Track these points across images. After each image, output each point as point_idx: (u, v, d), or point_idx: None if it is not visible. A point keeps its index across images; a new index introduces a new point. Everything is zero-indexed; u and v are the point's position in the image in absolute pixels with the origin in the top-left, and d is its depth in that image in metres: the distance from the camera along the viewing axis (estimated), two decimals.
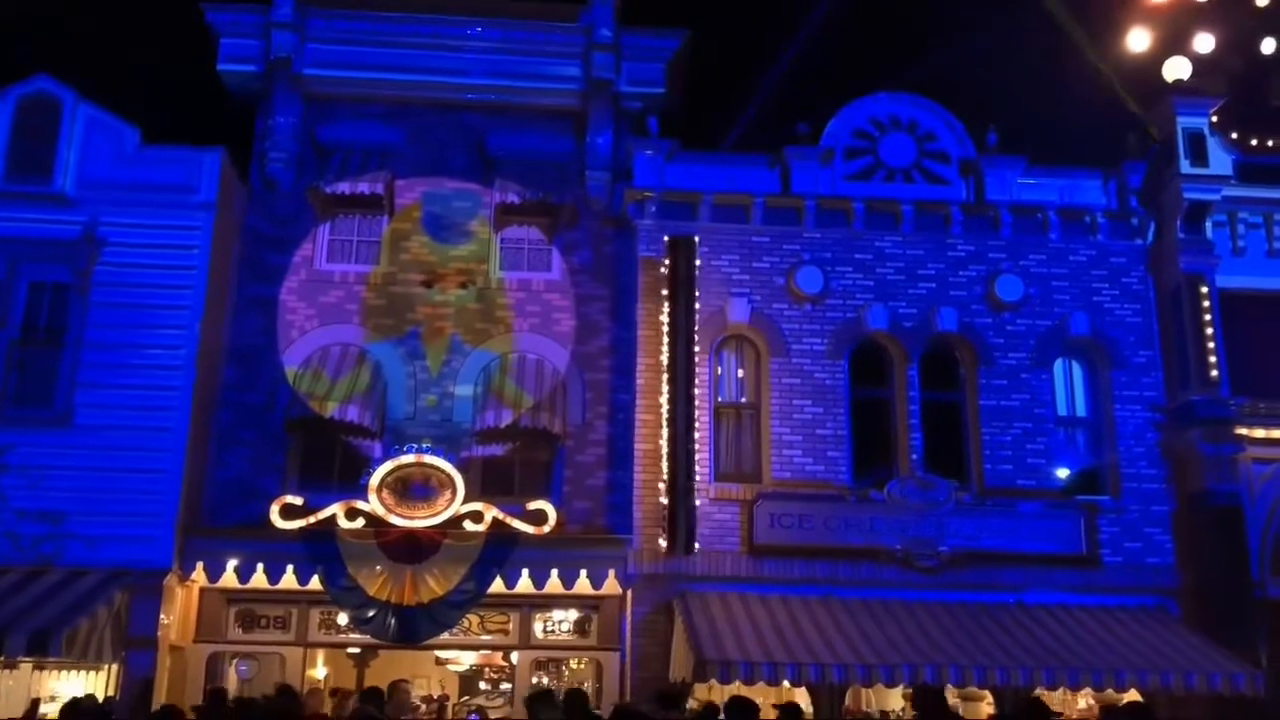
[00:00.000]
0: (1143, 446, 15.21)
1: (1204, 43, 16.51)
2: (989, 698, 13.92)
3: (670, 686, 12.91)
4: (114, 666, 13.26)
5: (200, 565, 13.81)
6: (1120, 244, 15.86)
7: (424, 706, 15.22)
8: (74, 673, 13.60)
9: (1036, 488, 14.92)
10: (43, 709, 13.15)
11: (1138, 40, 16.90)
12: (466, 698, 16.48)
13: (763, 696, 11.89)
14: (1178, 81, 16.15)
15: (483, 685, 16.90)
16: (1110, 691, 12.97)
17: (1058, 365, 15.69)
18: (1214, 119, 15.76)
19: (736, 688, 12.20)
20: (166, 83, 19.59)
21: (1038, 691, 13.01)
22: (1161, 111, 15.86)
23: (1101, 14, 17.41)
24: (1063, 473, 15.30)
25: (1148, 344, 15.57)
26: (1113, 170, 15.93)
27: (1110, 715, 11.62)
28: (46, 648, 11.87)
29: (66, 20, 22.37)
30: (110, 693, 13.12)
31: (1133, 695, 12.78)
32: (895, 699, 14.69)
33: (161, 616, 13.42)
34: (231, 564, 13.74)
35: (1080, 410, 15.70)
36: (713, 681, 12.55)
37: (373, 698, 11.16)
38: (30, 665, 13.16)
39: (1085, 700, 14.23)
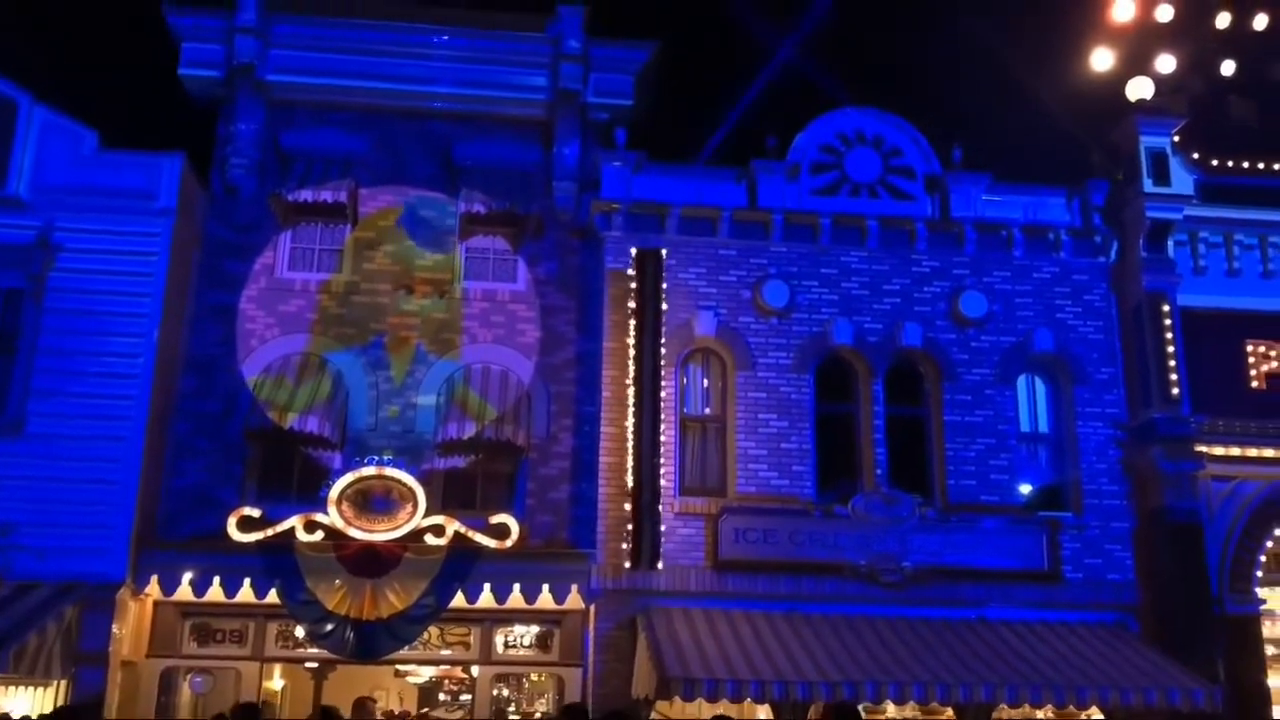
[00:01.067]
0: (1104, 463, 15.31)
1: (1166, 63, 16.71)
2: (949, 713, 13.93)
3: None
4: (63, 682, 12.95)
5: (154, 578, 13.55)
6: (1083, 261, 15.98)
7: None
8: (21, 689, 13.26)
9: (999, 503, 14.97)
10: None
11: (1101, 60, 17.09)
12: (426, 709, 16.33)
13: (724, 711, 11.78)
14: (1141, 101, 16.29)
15: (442, 696, 16.76)
16: (1071, 708, 13.01)
17: (1021, 381, 15.77)
18: (1176, 139, 15.94)
19: (699, 705, 12.10)
20: (126, 86, 19.29)
21: (1001, 707, 13.04)
22: (1124, 131, 16.01)
23: (1066, 34, 17.58)
24: (1025, 489, 15.37)
25: (1110, 361, 15.69)
26: (1076, 188, 16.04)
27: None
28: None
29: (23, 20, 21.99)
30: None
31: (1094, 712, 12.83)
32: None
33: (114, 630, 13.14)
34: (187, 577, 13.48)
35: (1043, 426, 15.78)
36: (676, 699, 12.46)
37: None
38: None
39: (1045, 714, 14.27)
